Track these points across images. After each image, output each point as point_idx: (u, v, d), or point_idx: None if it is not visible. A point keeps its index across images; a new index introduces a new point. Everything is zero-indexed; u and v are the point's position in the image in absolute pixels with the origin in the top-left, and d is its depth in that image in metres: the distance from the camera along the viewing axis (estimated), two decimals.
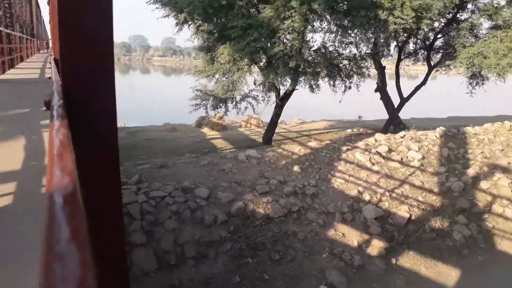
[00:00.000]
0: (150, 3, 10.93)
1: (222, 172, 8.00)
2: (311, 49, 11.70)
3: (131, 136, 15.00)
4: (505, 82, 12.50)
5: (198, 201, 6.84)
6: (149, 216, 6.37)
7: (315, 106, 23.97)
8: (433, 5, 9.91)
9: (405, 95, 14.41)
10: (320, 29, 11.47)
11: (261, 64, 11.69)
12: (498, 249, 7.19)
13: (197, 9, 9.66)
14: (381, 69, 14.21)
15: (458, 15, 12.61)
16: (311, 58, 11.14)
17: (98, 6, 0.72)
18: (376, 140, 9.99)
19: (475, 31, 12.31)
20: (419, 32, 11.90)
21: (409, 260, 6.73)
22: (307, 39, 11.34)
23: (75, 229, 0.18)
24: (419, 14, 9.88)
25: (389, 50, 13.37)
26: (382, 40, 12.25)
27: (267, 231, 6.71)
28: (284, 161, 8.82)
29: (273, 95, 12.66)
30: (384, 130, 13.61)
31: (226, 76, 11.98)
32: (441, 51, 14.38)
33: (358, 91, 13.14)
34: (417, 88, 14.19)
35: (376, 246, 6.77)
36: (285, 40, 10.58)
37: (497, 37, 11.22)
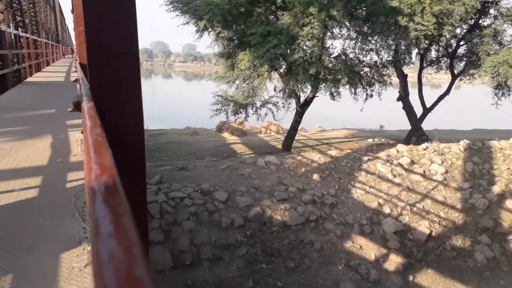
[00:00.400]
0: (170, 11, 11.12)
1: (241, 177, 8.04)
2: (331, 56, 11.67)
3: (154, 138, 15.24)
4: None
5: (216, 204, 6.90)
6: (168, 216, 6.46)
7: (336, 114, 23.81)
8: (454, 10, 9.73)
9: (428, 105, 14.12)
10: (339, 35, 11.43)
11: (281, 70, 11.72)
12: None
13: (216, 16, 9.79)
14: (403, 77, 13.99)
15: (480, 21, 12.27)
16: (331, 65, 11.11)
17: (123, 16, 0.77)
18: (398, 151, 9.84)
19: (499, 38, 11.93)
20: (441, 39, 11.65)
21: (427, 279, 6.55)
22: (327, 46, 11.32)
23: (118, 223, 0.20)
24: (440, 20, 9.71)
25: (410, 58, 13.14)
26: (403, 47, 12.09)
27: (284, 238, 6.70)
28: (303, 169, 8.79)
29: (293, 102, 12.66)
30: (406, 141, 13.38)
31: (247, 82, 12.06)
32: (464, 59, 13.99)
33: (380, 99, 12.98)
34: (440, 97, 13.89)
35: (394, 261, 6.64)
36: (304, 47, 10.59)
37: None
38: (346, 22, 10.68)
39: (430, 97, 14.29)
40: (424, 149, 9.98)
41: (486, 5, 11.51)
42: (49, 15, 31.42)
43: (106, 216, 0.21)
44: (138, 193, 0.85)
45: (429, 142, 10.97)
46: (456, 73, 13.89)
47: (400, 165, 9.09)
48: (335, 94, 12.00)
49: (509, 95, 13.17)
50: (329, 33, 10.81)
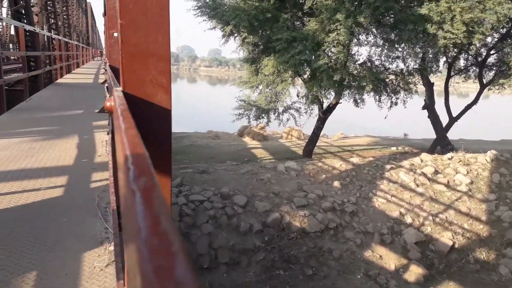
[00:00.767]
0: (197, 16, 11.30)
1: (261, 182, 8.04)
2: (357, 63, 11.57)
3: (176, 141, 15.44)
4: None
5: (235, 208, 6.92)
6: (187, 219, 6.52)
7: (359, 121, 23.55)
8: (485, 19, 9.50)
9: (454, 114, 13.80)
10: (366, 42, 11.34)
11: (305, 76, 11.71)
12: None
13: (243, 21, 9.87)
14: (429, 86, 13.73)
15: None
16: (356, 71, 11.01)
17: (157, 21, 0.79)
18: (422, 160, 9.65)
19: None
20: (471, 47, 11.38)
21: None
22: (353, 53, 11.24)
23: (156, 223, 0.21)
24: (471, 29, 9.48)
25: (438, 66, 12.88)
26: (430, 55, 11.86)
27: (302, 245, 6.65)
28: (324, 176, 8.72)
29: (316, 108, 12.61)
30: (431, 150, 13.10)
31: (270, 87, 12.10)
32: (494, 68, 13.63)
33: (405, 107, 12.79)
34: (468, 107, 13.55)
35: (414, 272, 6.50)
36: (329, 53, 10.54)
37: None
38: (373, 29, 10.59)
39: (456, 106, 13.97)
40: (449, 159, 9.76)
41: None
42: (81, 18, 32.42)
43: (146, 218, 0.22)
44: (164, 191, 0.86)
45: (455, 152, 10.72)
46: (485, 83, 13.54)
47: (424, 174, 8.91)
48: (359, 101, 11.90)
49: None
50: (355, 40, 10.73)
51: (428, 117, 14.15)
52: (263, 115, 12.63)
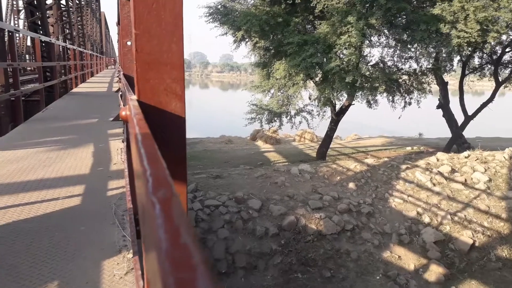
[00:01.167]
0: (209, 22, 11.39)
1: (275, 185, 8.03)
2: (369, 64, 11.50)
3: (190, 147, 15.54)
4: None
5: (250, 212, 6.92)
6: (203, 224, 6.55)
7: (373, 121, 23.36)
8: (500, 17, 9.34)
9: (470, 113, 13.59)
10: (378, 43, 11.28)
11: (317, 79, 11.68)
12: None
13: (254, 26, 9.92)
14: (443, 85, 13.55)
15: None
16: (368, 73, 10.94)
17: (170, 30, 0.81)
18: (438, 160, 9.51)
19: None
20: (485, 46, 11.19)
21: None
22: (365, 54, 11.17)
23: (177, 235, 0.21)
24: (485, 27, 9.33)
25: (452, 65, 12.70)
26: (444, 55, 11.70)
27: (319, 247, 6.61)
28: (338, 177, 8.67)
29: (328, 110, 12.56)
30: (447, 149, 12.91)
31: (282, 91, 12.11)
32: (510, 65, 13.42)
33: (419, 107, 12.64)
34: (484, 105, 13.32)
35: (435, 272, 6.40)
36: (341, 55, 10.50)
37: None
38: (385, 30, 10.53)
39: (472, 104, 13.76)
40: (465, 157, 9.60)
41: None
42: (95, 28, 33.04)
43: (166, 231, 0.22)
44: (180, 197, 0.87)
45: (471, 150, 10.54)
46: (500, 80, 13.31)
47: (440, 173, 8.78)
48: (372, 102, 11.82)
49: None
50: (367, 41, 10.67)
51: (443, 116, 13.97)
52: (275, 118, 12.66)
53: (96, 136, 5.15)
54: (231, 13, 11.08)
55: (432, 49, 10.81)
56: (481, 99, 13.96)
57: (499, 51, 12.91)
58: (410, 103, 12.50)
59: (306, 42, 9.86)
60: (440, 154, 9.94)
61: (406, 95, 12.23)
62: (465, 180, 8.59)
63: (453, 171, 8.90)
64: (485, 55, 13.36)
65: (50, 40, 9.52)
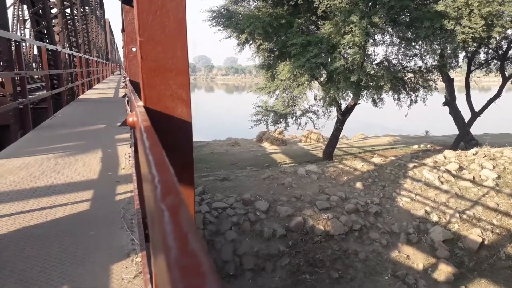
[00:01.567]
0: (213, 26, 11.44)
1: (282, 187, 8.03)
2: (374, 63, 11.47)
3: (197, 150, 15.58)
4: None
5: (257, 214, 6.93)
6: (211, 226, 6.56)
7: (379, 120, 23.26)
8: (504, 11, 9.26)
9: (476, 109, 13.48)
10: (382, 42, 11.24)
11: (322, 79, 11.67)
12: None
13: (257, 29, 9.94)
14: (449, 82, 13.46)
15: None
16: (373, 71, 10.91)
17: (174, 36, 0.82)
18: (445, 157, 9.45)
19: None
20: (491, 41, 11.10)
21: None
22: (369, 53, 11.15)
23: (185, 243, 0.22)
24: (490, 22, 9.27)
25: (457, 62, 12.60)
26: (449, 51, 11.63)
27: (327, 248, 6.59)
28: (345, 177, 8.64)
29: (334, 110, 12.53)
30: (454, 147, 12.82)
31: (287, 92, 12.12)
32: None
33: (425, 105, 12.57)
34: (490, 101, 13.20)
35: (444, 271, 6.35)
36: (346, 55, 10.49)
37: None
38: (389, 29, 10.50)
39: (479, 100, 13.64)
40: (473, 154, 9.52)
41: None
42: (100, 35, 33.32)
43: (175, 238, 0.23)
44: (188, 200, 0.88)
45: (479, 147, 10.45)
46: (507, 75, 13.19)
47: (448, 171, 8.72)
48: (377, 100, 11.77)
49: None
50: (371, 40, 10.64)
51: (450, 113, 13.87)
52: (281, 119, 12.66)
53: (104, 142, 5.19)
54: (234, 16, 11.12)
55: (436, 46, 10.75)
56: (488, 95, 13.84)
57: (505, 46, 12.79)
58: (416, 101, 12.43)
59: (309, 42, 9.85)
60: (447, 152, 9.87)
61: (411, 93, 12.17)
62: (473, 177, 8.51)
63: (461, 168, 8.84)
64: (490, 50, 13.25)
65: (56, 49, 9.62)
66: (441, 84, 13.48)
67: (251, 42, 11.58)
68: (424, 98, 12.48)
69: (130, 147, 4.24)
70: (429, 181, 8.45)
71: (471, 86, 13.86)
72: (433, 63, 12.02)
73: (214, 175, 9.05)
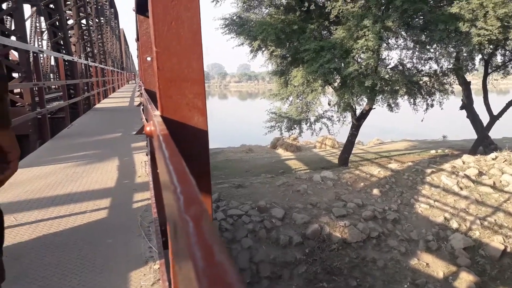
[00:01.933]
0: (225, 33, 11.53)
1: (297, 193, 7.98)
2: (388, 67, 11.37)
3: (211, 157, 15.56)
4: None
5: (273, 221, 6.90)
6: (227, 234, 6.56)
7: (395, 125, 23.02)
8: None
9: (495, 113, 13.21)
10: (396, 46, 11.15)
11: (335, 84, 11.63)
12: None
13: (270, 35, 9.98)
14: (465, 85, 13.24)
15: None
16: (388, 76, 10.81)
17: (190, 46, 0.83)
18: (464, 162, 9.28)
19: None
20: (507, 42, 10.90)
21: None
22: (383, 57, 11.06)
23: (211, 253, 0.22)
24: (506, 24, 9.11)
25: (473, 64, 12.40)
26: (465, 54, 11.45)
27: (344, 256, 6.51)
28: (362, 184, 8.55)
29: (348, 115, 12.45)
30: (473, 151, 12.57)
31: (300, 98, 12.11)
32: None
33: (442, 109, 12.39)
34: (509, 104, 12.93)
35: (465, 280, 6.19)
36: (359, 59, 10.43)
37: None
38: (403, 32, 10.41)
39: (497, 104, 13.38)
40: (493, 159, 9.32)
41: None
42: (115, 44, 33.95)
43: (201, 249, 0.23)
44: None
45: (499, 151, 10.23)
46: None
47: (467, 176, 8.55)
48: (393, 105, 11.65)
49: None
50: (385, 44, 10.57)
51: (467, 117, 13.63)
52: (295, 126, 12.64)
53: (120, 150, 5.26)
54: (246, 23, 11.19)
55: (452, 49, 10.61)
56: (507, 98, 13.58)
57: None
58: (432, 105, 12.27)
59: (322, 48, 9.84)
60: (466, 157, 9.69)
61: (427, 97, 12.02)
62: (494, 183, 8.33)
63: (480, 173, 8.66)
64: (508, 52, 13.00)
65: (72, 59, 9.82)
66: (457, 88, 13.27)
67: (263, 48, 11.62)
68: (440, 102, 12.31)
69: (147, 155, 4.28)
70: (448, 186, 8.30)
71: (489, 89, 13.61)
72: (448, 66, 11.86)
73: (229, 182, 9.06)
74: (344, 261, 6.42)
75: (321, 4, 11.12)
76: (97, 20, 21.88)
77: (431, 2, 10.25)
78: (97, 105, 12.48)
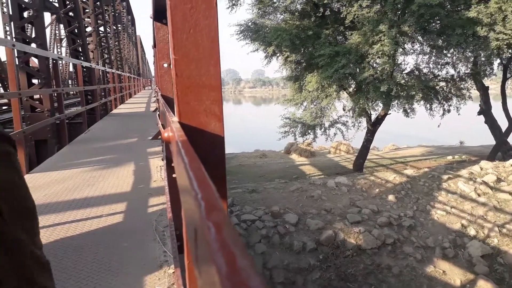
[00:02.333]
0: (240, 39, 11.60)
1: (311, 199, 7.94)
2: (404, 72, 11.26)
3: (226, 162, 15.65)
4: None
5: (287, 227, 6.87)
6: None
7: (411, 130, 22.75)
8: None
9: None
10: (412, 51, 11.04)
11: (350, 89, 11.56)
12: None
13: (284, 41, 10.00)
14: (483, 90, 13.02)
15: None
16: (404, 81, 10.70)
17: (208, 53, 0.84)
18: (481, 168, 9.10)
19: None
20: None
21: None
22: (399, 62, 10.95)
23: (232, 258, 0.22)
24: None
25: (492, 69, 12.17)
26: (483, 59, 11.27)
27: (359, 262, 6.44)
28: (377, 190, 8.46)
29: (363, 121, 12.36)
30: (491, 157, 12.33)
31: (314, 103, 12.07)
32: None
33: (459, 114, 12.19)
34: None
35: None
36: (374, 65, 10.36)
37: None
38: (419, 37, 10.30)
39: None
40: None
41: None
42: (132, 51, 34.48)
43: (223, 255, 0.23)
44: None
45: None
46: None
47: (485, 183, 8.38)
48: (409, 110, 11.51)
49: None
50: (401, 49, 10.48)
51: (485, 122, 13.39)
52: (309, 131, 12.60)
53: (136, 155, 5.32)
54: (261, 29, 11.24)
55: (469, 54, 10.46)
56: None
57: None
58: (449, 111, 12.08)
59: (337, 53, 9.81)
60: (484, 163, 9.50)
61: (444, 102, 11.84)
62: None
63: (499, 180, 8.48)
64: None
65: (90, 65, 10.01)
66: (475, 93, 13.06)
67: (278, 54, 11.65)
68: (457, 108, 12.12)
69: (162, 160, 4.32)
70: (465, 193, 8.15)
71: (508, 94, 13.37)
72: (466, 71, 11.68)
73: (242, 187, 9.07)
74: (358, 268, 6.34)
75: (336, 10, 11.09)
76: (114, 27, 22.26)
77: (448, 6, 10.13)
78: (114, 111, 12.67)
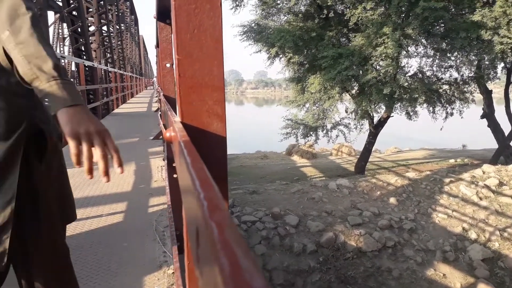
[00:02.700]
0: (243, 40, 11.61)
1: (312, 201, 7.93)
2: (407, 75, 11.24)
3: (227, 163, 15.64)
4: None
5: (287, 228, 6.85)
6: None
7: (413, 133, 22.72)
8: None
9: None
10: (415, 53, 11.02)
11: (353, 91, 11.55)
12: None
13: (287, 42, 10.00)
14: (487, 94, 12.99)
15: None
16: (407, 84, 10.69)
17: (211, 54, 0.84)
18: (484, 172, 9.07)
19: None
20: None
21: None
22: (402, 65, 10.94)
23: (235, 258, 0.22)
24: None
25: (495, 73, 12.13)
26: (487, 62, 11.24)
27: (359, 265, 6.42)
28: (378, 192, 8.44)
29: (366, 123, 12.34)
30: (494, 161, 12.29)
31: (317, 105, 12.07)
32: None
33: (462, 117, 12.17)
34: None
35: None
36: (378, 67, 10.35)
37: None
38: (423, 40, 10.29)
39: None
40: None
41: None
42: (134, 50, 34.55)
43: (226, 255, 0.23)
44: None
45: None
46: None
47: (487, 186, 8.36)
48: (411, 113, 11.50)
49: None
50: (404, 52, 10.47)
51: (488, 126, 13.36)
52: (311, 132, 12.58)
53: (137, 155, 5.33)
54: (264, 30, 11.25)
55: (473, 57, 10.43)
56: None
57: None
58: (452, 114, 12.05)
59: (341, 55, 9.80)
60: (486, 167, 9.48)
61: (447, 105, 11.82)
62: None
63: (501, 184, 8.45)
64: None
65: (93, 65, 10.03)
66: (478, 96, 13.03)
67: (281, 55, 11.65)
68: (460, 111, 12.09)
69: (163, 160, 4.33)
70: (467, 196, 8.13)
71: (511, 98, 13.33)
72: (469, 75, 11.66)
73: (243, 188, 9.06)
74: (358, 270, 6.33)
75: (340, 12, 11.10)
76: (117, 27, 22.31)
77: (453, 10, 10.12)
78: (116, 110, 12.69)
